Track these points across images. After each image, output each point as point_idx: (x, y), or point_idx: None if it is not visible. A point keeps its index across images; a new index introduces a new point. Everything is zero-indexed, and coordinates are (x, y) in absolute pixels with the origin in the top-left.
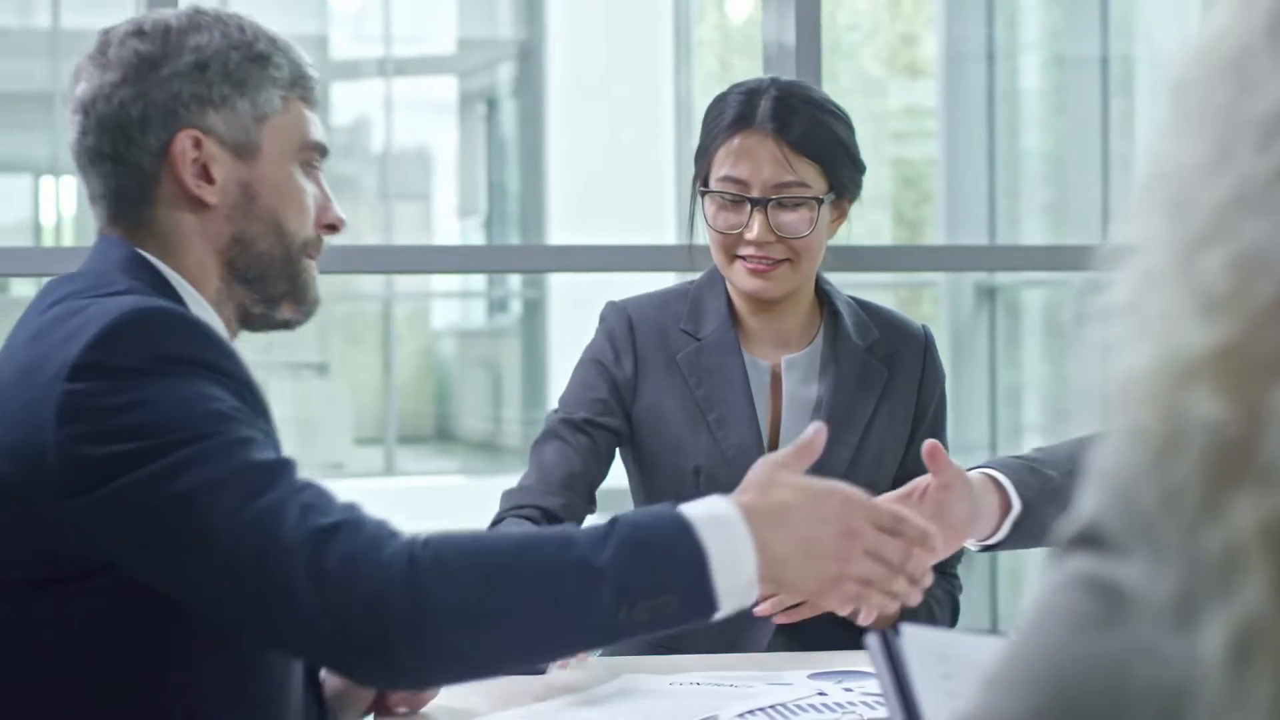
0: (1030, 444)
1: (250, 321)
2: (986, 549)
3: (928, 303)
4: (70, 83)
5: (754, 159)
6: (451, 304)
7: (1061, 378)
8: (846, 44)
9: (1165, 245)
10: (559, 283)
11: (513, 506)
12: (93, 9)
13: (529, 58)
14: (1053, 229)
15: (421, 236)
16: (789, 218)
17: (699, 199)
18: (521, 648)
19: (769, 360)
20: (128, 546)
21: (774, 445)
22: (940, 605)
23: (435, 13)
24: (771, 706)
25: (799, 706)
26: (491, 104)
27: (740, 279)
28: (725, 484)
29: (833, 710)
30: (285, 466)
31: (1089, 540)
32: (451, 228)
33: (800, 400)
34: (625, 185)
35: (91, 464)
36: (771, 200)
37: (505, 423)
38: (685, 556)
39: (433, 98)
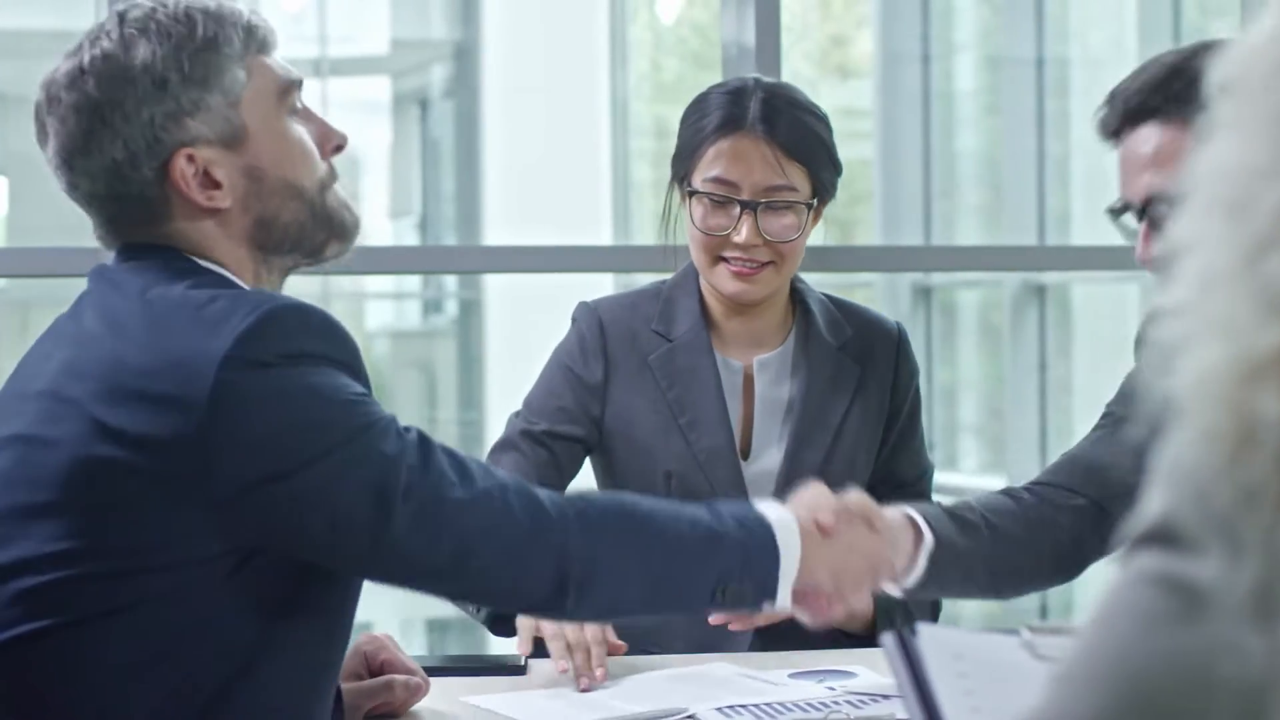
0: (966, 442)
1: (303, 271)
2: (910, 594)
3: (862, 303)
4: (40, 141)
5: (745, 161)
6: (385, 305)
7: (997, 377)
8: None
9: (1226, 246)
10: (496, 283)
11: None
12: (29, 6)
13: (464, 58)
14: (988, 229)
15: (361, 238)
16: (778, 222)
17: (685, 200)
18: (649, 602)
19: (741, 361)
20: (293, 534)
21: (745, 448)
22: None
23: (369, 14)
24: (755, 705)
25: (782, 706)
26: (425, 105)
27: (724, 282)
28: (697, 489)
29: (817, 709)
30: (424, 438)
31: (1160, 538)
32: (384, 229)
33: (772, 401)
34: (561, 186)
35: (252, 455)
36: (761, 203)
37: (441, 424)
38: (766, 551)
39: (366, 98)
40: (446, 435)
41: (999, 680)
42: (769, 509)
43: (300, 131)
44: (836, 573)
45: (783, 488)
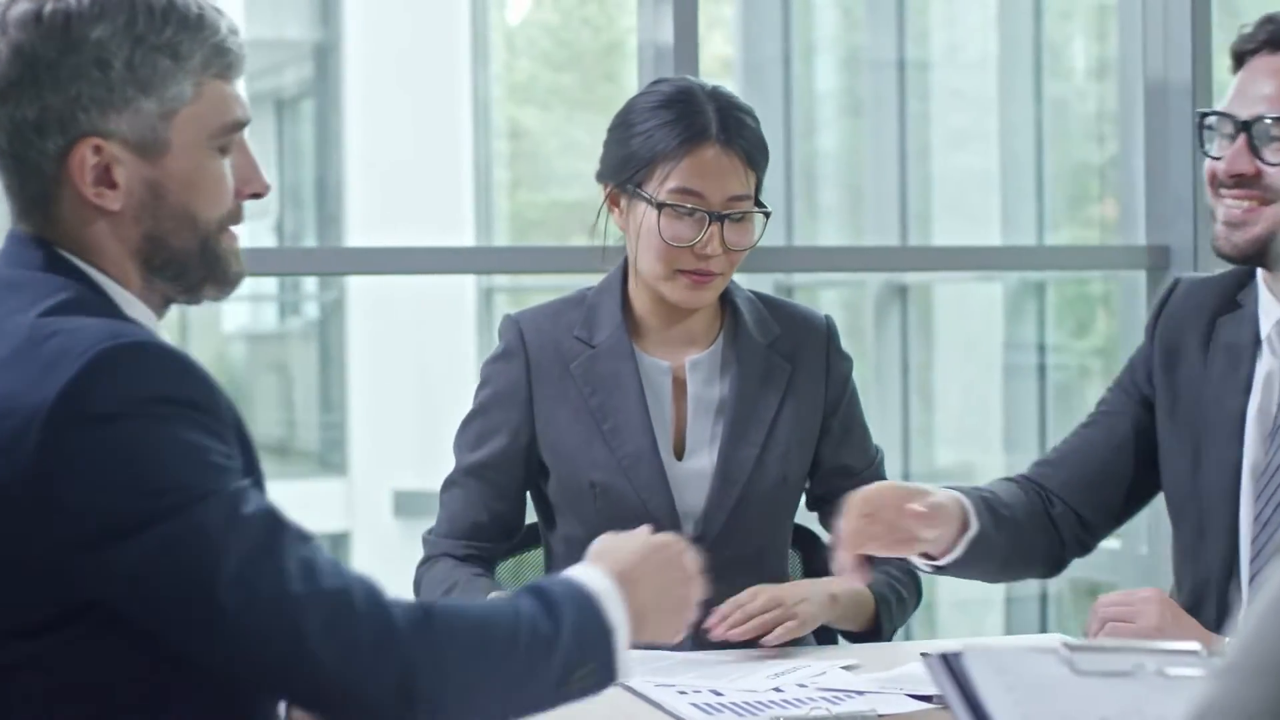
0: None
1: (177, 303)
2: (937, 570)
3: None
4: None
5: (712, 173)
6: (242, 307)
7: (860, 378)
8: (628, 46)
9: None
10: (357, 285)
11: (439, 554)
12: None
13: (324, 58)
14: (849, 230)
15: None
16: (740, 231)
17: (629, 206)
18: (497, 712)
19: (671, 362)
20: (128, 601)
21: (679, 448)
22: (905, 585)
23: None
24: (734, 704)
25: (760, 704)
26: (282, 105)
27: (680, 292)
28: (623, 495)
29: (795, 705)
30: (277, 519)
31: None
32: (239, 230)
33: (704, 401)
34: (423, 186)
35: (83, 522)
36: (727, 215)
37: (300, 427)
38: (600, 628)
39: None
40: (306, 439)
41: (1044, 694)
42: (589, 578)
43: (222, 169)
44: (660, 601)
45: (717, 486)
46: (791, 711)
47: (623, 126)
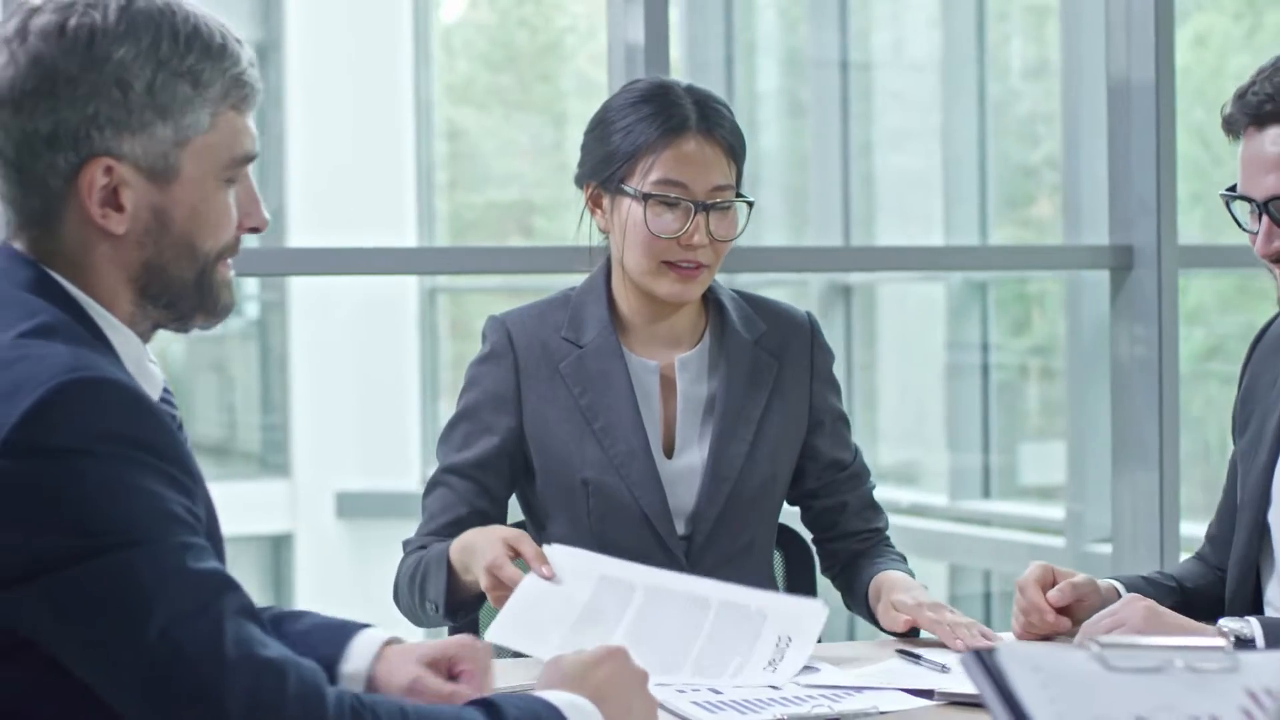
0: None
1: (165, 329)
2: None
3: None
4: None
5: (693, 163)
6: None
7: None
8: (566, 46)
9: None
10: (299, 285)
11: (414, 549)
12: None
13: (265, 58)
14: (792, 230)
15: None
16: (724, 221)
17: (614, 202)
18: None
19: (658, 360)
20: (53, 637)
21: (669, 446)
22: (905, 565)
23: None
24: (734, 701)
25: (759, 701)
26: None
27: (665, 285)
28: (616, 494)
29: (796, 703)
30: (224, 581)
31: None
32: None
33: (693, 399)
34: (365, 187)
35: (17, 552)
36: (710, 204)
37: (240, 428)
38: None
39: None
40: (247, 440)
41: (1079, 691)
42: (556, 696)
43: (227, 200)
44: (631, 707)
45: (708, 483)
46: (793, 709)
47: (600, 126)
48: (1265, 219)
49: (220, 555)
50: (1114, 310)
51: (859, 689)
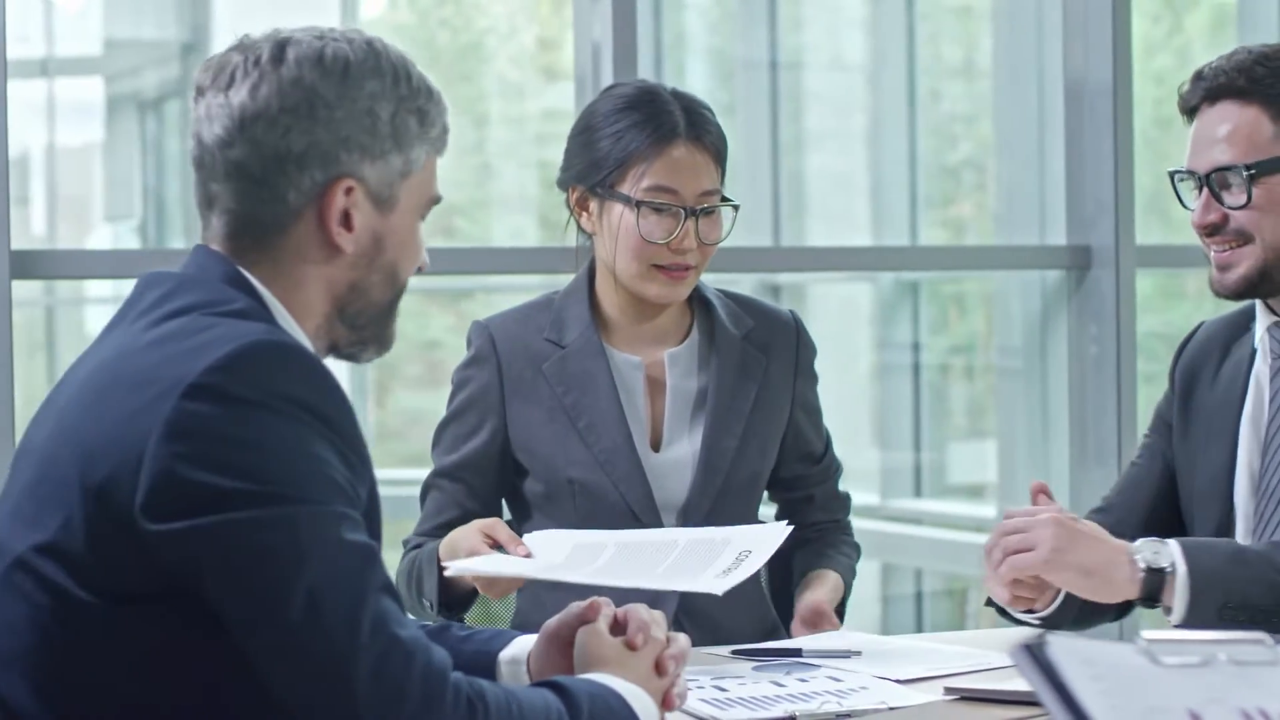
0: None
1: (331, 355)
2: (1036, 623)
3: None
4: (213, 70)
5: (684, 169)
6: (106, 309)
7: None
8: (486, 47)
9: None
10: None
11: (408, 551)
12: None
13: (193, 58)
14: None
15: (77, 242)
16: (712, 224)
17: (601, 207)
18: None
19: (643, 357)
20: (203, 579)
21: (656, 440)
22: (853, 552)
23: (85, 14)
24: (742, 698)
25: (766, 698)
26: (145, 106)
27: (656, 288)
28: (602, 490)
29: (804, 700)
30: (374, 556)
31: None
32: (102, 233)
33: (683, 393)
34: None
35: (189, 489)
36: (700, 209)
37: None
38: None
39: (78, 99)
40: None
41: (1130, 685)
42: (617, 682)
43: (420, 235)
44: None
45: (701, 475)
46: (802, 706)
47: (587, 131)
48: (1205, 191)
49: (376, 538)
50: (1071, 310)
51: (865, 687)
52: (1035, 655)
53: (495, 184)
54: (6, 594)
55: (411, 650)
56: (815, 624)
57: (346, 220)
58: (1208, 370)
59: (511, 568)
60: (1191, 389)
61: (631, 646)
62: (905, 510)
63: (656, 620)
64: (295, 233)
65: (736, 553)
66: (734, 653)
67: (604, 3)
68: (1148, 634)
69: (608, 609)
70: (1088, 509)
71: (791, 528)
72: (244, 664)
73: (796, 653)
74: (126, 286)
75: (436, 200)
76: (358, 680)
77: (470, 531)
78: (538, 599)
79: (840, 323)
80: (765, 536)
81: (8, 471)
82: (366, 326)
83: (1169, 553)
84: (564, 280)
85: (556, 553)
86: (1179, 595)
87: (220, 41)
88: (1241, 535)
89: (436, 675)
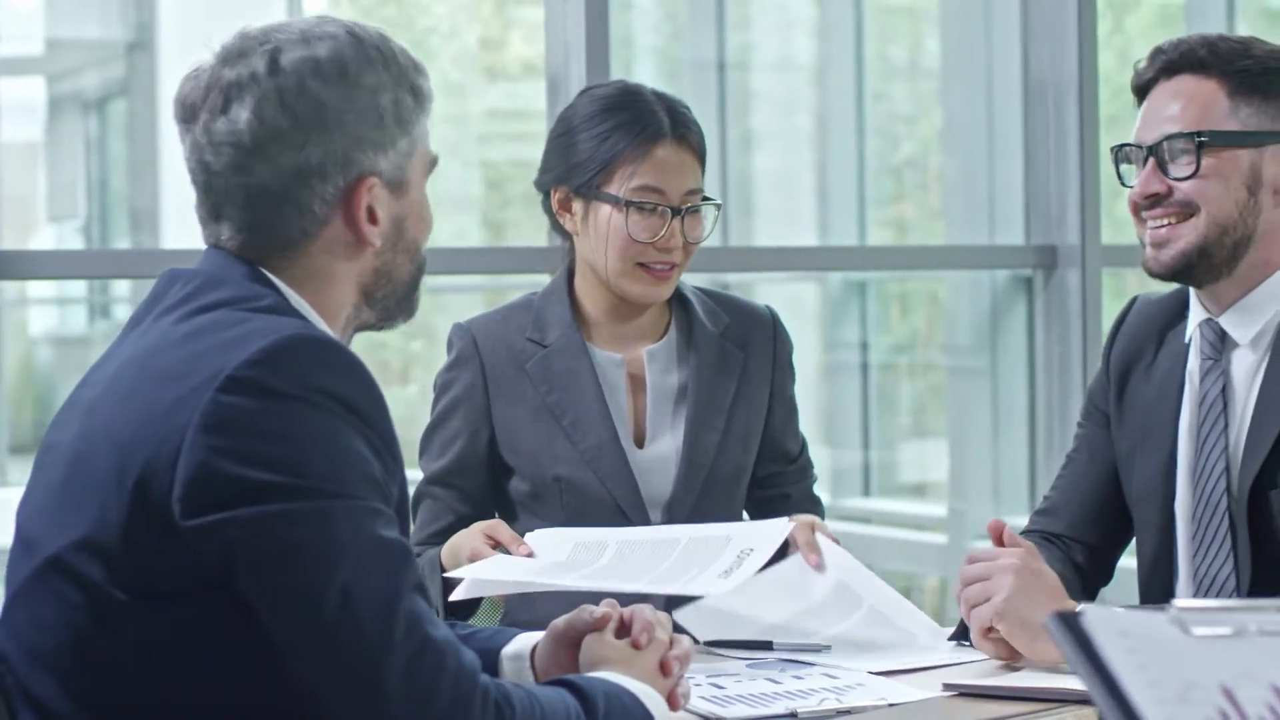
0: None
1: (360, 331)
2: None
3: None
4: (202, 90)
5: (670, 169)
6: (49, 310)
7: None
8: (429, 46)
9: None
10: None
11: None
12: None
13: (138, 57)
14: None
15: (20, 243)
16: (696, 223)
17: (588, 207)
18: None
19: (624, 354)
20: (237, 572)
21: (639, 436)
22: (815, 501)
23: (24, 13)
24: (744, 695)
25: (765, 695)
26: (89, 105)
27: (640, 287)
28: (588, 488)
29: (803, 697)
30: (408, 554)
31: None
32: (46, 234)
33: (663, 389)
34: None
35: (225, 482)
36: (686, 208)
37: None
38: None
39: (20, 99)
40: None
41: (1164, 654)
42: (628, 681)
43: (428, 199)
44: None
45: (684, 471)
46: (802, 703)
47: (568, 134)
48: (1150, 161)
49: (405, 535)
50: (1036, 310)
51: (861, 684)
52: (1070, 625)
53: (437, 184)
54: (39, 593)
55: (444, 651)
56: (810, 541)
57: (372, 215)
58: (1143, 359)
59: (514, 571)
60: (1126, 378)
61: (636, 646)
62: (855, 509)
63: (661, 622)
64: (323, 237)
65: (738, 551)
66: (706, 644)
67: (578, 3)
68: (1179, 602)
69: (614, 615)
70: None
71: (794, 524)
72: (276, 659)
73: (767, 645)
74: (70, 287)
75: (435, 161)
76: (390, 679)
77: (472, 534)
78: (525, 596)
79: (787, 322)
80: (767, 533)
81: (29, 472)
82: (394, 304)
83: None
84: (507, 280)
85: (558, 552)
86: None
87: (166, 41)
88: (1183, 540)
89: (468, 677)
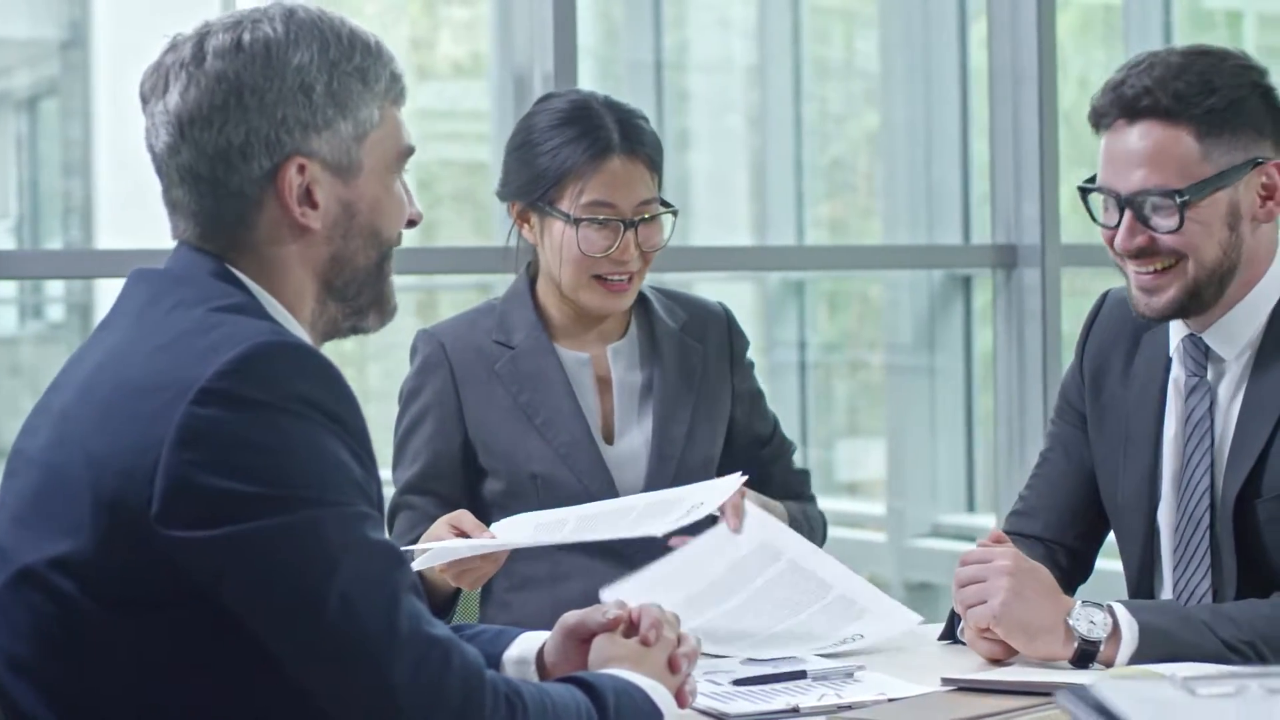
0: None
1: (335, 334)
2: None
3: (446, 307)
4: (151, 76)
5: (621, 183)
6: None
7: None
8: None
9: None
10: (108, 287)
11: None
12: None
13: (71, 56)
14: None
15: None
16: (651, 231)
17: (540, 221)
18: None
19: (589, 353)
20: (224, 585)
21: (608, 432)
22: (816, 524)
23: None
24: (739, 692)
25: (765, 692)
26: (20, 104)
27: (598, 300)
28: (563, 484)
29: (804, 692)
30: (400, 556)
31: None
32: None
33: (628, 386)
34: None
35: (207, 496)
36: (639, 220)
37: None
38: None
39: None
40: None
41: (1172, 715)
42: (635, 677)
43: (400, 191)
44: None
45: (654, 464)
46: (802, 698)
47: (525, 147)
48: (1128, 214)
49: None
50: (996, 309)
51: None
52: (1084, 697)
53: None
54: (13, 602)
55: (448, 648)
56: (736, 505)
57: (309, 198)
58: (1116, 358)
59: (475, 549)
60: (1101, 379)
61: (645, 644)
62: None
63: (669, 620)
64: (262, 221)
65: (688, 506)
66: (743, 662)
67: (544, 3)
68: (1181, 671)
69: (625, 616)
70: (1009, 508)
71: (745, 477)
72: (259, 668)
73: (801, 675)
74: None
75: (410, 150)
76: (398, 681)
77: (437, 527)
78: (502, 600)
79: None
80: (717, 487)
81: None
82: (359, 294)
83: (1105, 622)
84: (438, 280)
85: (520, 534)
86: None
87: (100, 40)
88: (1166, 552)
89: (474, 673)
